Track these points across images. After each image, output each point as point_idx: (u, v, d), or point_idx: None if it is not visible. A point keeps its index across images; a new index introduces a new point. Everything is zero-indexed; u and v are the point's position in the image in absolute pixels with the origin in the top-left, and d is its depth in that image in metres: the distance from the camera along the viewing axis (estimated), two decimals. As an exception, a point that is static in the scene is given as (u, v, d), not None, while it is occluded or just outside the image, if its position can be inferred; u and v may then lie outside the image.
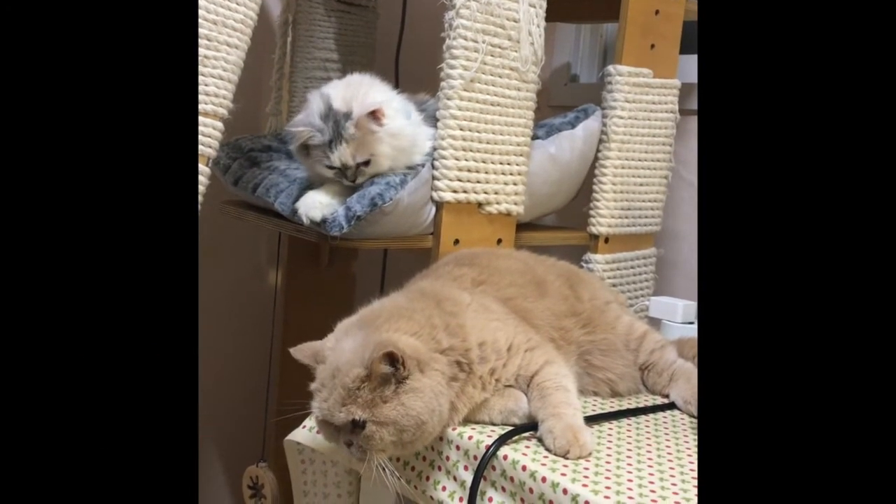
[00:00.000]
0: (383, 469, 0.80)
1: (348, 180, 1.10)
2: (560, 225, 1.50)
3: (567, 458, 0.79)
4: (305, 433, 1.01)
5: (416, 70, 1.60)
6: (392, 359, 0.78)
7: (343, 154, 1.07)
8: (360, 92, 1.10)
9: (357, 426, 0.78)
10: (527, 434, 0.84)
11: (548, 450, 0.81)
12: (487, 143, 1.17)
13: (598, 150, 1.33)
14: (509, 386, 0.89)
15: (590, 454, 0.81)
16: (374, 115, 1.08)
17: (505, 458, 0.80)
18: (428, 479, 0.87)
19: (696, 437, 0.89)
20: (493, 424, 0.87)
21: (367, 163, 1.09)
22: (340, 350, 0.82)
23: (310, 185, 1.16)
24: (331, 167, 1.10)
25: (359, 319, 0.88)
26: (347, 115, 1.07)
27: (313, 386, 0.83)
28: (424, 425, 0.80)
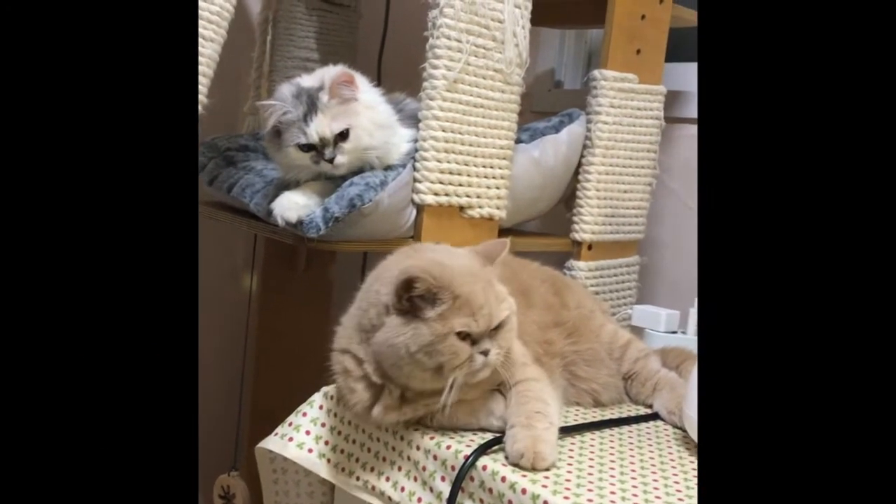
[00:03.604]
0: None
1: (326, 160, 1.05)
2: (543, 231, 1.47)
3: (521, 467, 0.76)
4: (277, 440, 0.97)
5: (398, 71, 1.57)
6: None
7: (320, 125, 1.03)
8: (330, 70, 1.08)
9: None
10: (506, 444, 0.82)
11: (506, 457, 0.78)
12: (470, 145, 1.14)
13: (582, 156, 1.32)
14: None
15: (547, 468, 0.77)
16: (346, 81, 1.05)
17: (484, 468, 0.78)
18: (403, 489, 0.84)
19: (679, 448, 0.87)
20: (468, 429, 0.85)
21: (345, 137, 1.05)
22: (451, 266, 0.80)
23: (286, 185, 1.12)
24: (308, 146, 1.05)
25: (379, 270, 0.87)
26: (319, 88, 1.05)
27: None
28: None
